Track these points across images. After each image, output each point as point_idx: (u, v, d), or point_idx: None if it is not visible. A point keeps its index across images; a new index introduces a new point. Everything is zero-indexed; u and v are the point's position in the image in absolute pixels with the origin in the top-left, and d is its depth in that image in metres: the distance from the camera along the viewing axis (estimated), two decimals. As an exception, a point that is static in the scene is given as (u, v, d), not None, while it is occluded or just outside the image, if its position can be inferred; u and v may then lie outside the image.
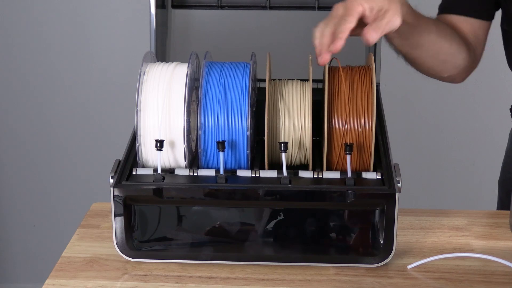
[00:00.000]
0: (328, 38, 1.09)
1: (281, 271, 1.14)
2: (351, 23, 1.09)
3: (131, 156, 1.18)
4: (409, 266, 1.15)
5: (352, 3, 1.10)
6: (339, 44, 1.08)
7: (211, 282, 1.11)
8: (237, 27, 1.57)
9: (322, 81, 1.28)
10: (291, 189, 1.11)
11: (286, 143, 1.15)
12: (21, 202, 2.53)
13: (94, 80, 2.39)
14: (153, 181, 1.13)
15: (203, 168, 1.17)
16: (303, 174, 1.15)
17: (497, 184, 1.58)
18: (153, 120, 1.16)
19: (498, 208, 1.56)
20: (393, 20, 1.11)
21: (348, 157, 1.14)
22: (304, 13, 1.55)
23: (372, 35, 1.09)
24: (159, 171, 1.14)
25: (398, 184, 1.10)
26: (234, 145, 1.16)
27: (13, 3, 2.31)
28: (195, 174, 1.15)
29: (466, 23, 1.38)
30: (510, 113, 1.53)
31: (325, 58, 1.09)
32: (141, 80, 1.17)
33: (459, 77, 1.40)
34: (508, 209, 1.35)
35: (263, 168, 1.17)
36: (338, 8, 1.12)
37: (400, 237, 1.21)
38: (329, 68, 1.20)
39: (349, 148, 1.14)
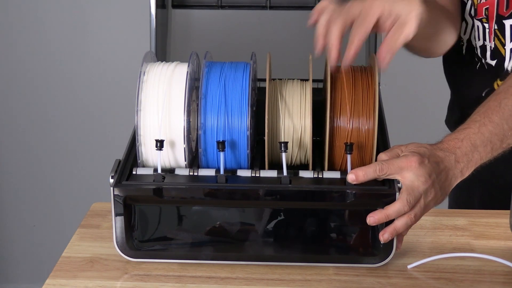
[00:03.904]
0: (337, 39, 1.04)
1: (281, 271, 1.14)
2: (368, 28, 1.02)
3: (131, 156, 1.18)
4: (409, 266, 1.15)
5: (371, 4, 1.02)
6: (354, 52, 1.03)
7: (211, 282, 1.11)
8: (237, 27, 1.57)
9: (323, 81, 1.28)
10: (291, 189, 1.11)
11: (286, 143, 1.15)
12: (21, 202, 2.53)
13: (94, 80, 2.39)
14: (153, 181, 1.13)
15: (203, 168, 1.17)
16: (303, 174, 1.15)
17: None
18: (153, 120, 1.16)
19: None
20: (407, 34, 1.04)
21: (348, 156, 1.13)
22: (304, 13, 1.54)
23: (386, 58, 1.04)
24: (159, 171, 1.14)
25: (398, 184, 1.10)
26: (234, 145, 1.16)
27: (13, 3, 2.31)
28: (195, 174, 1.15)
29: None
30: None
31: (338, 60, 1.05)
32: (141, 80, 1.17)
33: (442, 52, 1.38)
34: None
35: (263, 168, 1.17)
36: (354, 7, 1.03)
37: (400, 237, 1.21)
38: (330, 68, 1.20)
39: (349, 148, 1.14)
